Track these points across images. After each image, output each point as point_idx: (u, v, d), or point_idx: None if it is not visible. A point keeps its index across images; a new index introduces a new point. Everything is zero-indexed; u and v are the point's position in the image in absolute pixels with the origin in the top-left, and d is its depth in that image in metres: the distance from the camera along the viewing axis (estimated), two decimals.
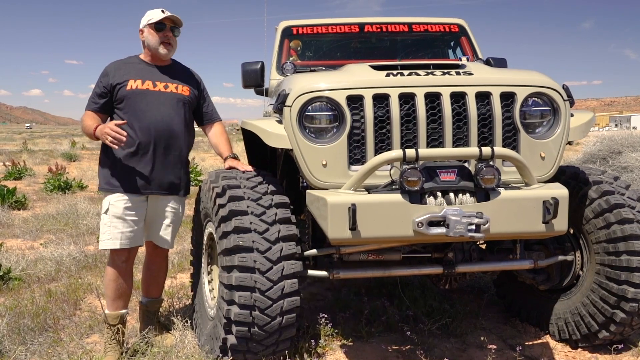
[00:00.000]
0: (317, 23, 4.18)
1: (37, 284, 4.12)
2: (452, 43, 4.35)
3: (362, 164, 2.48)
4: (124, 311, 2.93)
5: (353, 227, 2.23)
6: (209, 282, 3.07)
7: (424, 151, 2.28)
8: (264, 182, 2.72)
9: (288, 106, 2.51)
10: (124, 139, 2.62)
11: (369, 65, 2.68)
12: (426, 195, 2.31)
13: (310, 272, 2.73)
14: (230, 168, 2.88)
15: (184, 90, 2.97)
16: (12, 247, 5.55)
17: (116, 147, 2.65)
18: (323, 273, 2.74)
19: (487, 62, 3.94)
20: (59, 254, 4.77)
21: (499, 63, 3.97)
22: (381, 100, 2.49)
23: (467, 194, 2.33)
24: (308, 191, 2.50)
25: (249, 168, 2.87)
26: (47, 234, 6.17)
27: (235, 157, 2.99)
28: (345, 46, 4.33)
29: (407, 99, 2.49)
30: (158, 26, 2.87)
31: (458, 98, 2.50)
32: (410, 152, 2.25)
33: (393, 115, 2.45)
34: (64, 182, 9.87)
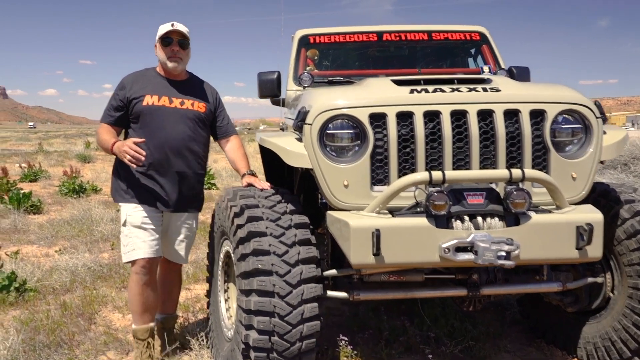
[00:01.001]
0: (335, 32, 4.09)
1: (52, 295, 4.10)
2: (473, 51, 4.24)
3: (385, 185, 2.40)
4: (152, 324, 2.93)
5: (377, 252, 2.15)
6: (226, 300, 3.01)
7: (451, 174, 2.19)
8: (283, 201, 2.64)
9: (308, 124, 2.43)
10: (143, 158, 2.60)
11: (391, 80, 2.60)
12: (453, 219, 2.22)
13: (330, 293, 2.65)
14: (248, 185, 2.81)
15: (200, 107, 2.93)
16: (28, 255, 5.55)
17: (134, 166, 2.62)
18: (343, 294, 2.65)
19: (510, 72, 3.83)
20: (74, 263, 4.75)
21: (522, 73, 3.86)
22: (405, 118, 2.40)
23: (496, 218, 2.24)
24: (329, 212, 2.43)
25: (267, 185, 2.80)
26: (62, 241, 6.17)
27: (252, 174, 2.93)
28: (363, 55, 4.24)
29: (432, 117, 2.40)
30: (165, 41, 2.84)
31: (485, 116, 2.40)
32: (437, 175, 2.16)
33: (417, 134, 2.36)
34: (79, 186, 9.91)
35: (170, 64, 2.85)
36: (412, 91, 2.44)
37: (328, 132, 2.43)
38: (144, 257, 2.79)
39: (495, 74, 3.78)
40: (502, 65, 4.00)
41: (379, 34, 4.08)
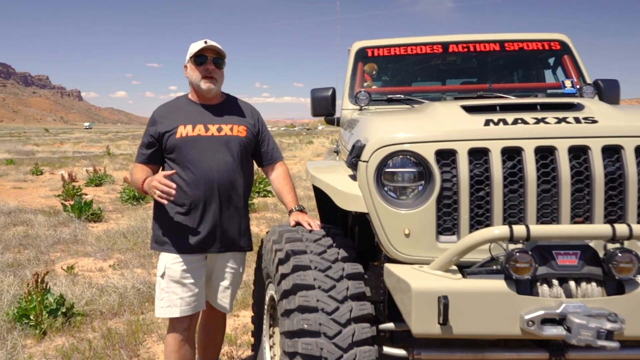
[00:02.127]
0: (395, 43, 3.73)
1: (99, 320, 4.00)
2: (552, 62, 3.75)
3: (454, 235, 2.04)
4: None
5: (444, 322, 1.79)
6: (271, 347, 2.74)
7: (537, 229, 1.78)
8: (334, 245, 2.34)
9: (364, 161, 2.11)
10: (173, 192, 2.28)
11: (462, 107, 2.22)
12: (538, 283, 1.83)
13: (386, 349, 2.30)
14: (296, 225, 2.52)
15: (240, 131, 2.61)
16: (83, 268, 5.57)
17: (165, 202, 2.31)
18: (401, 352, 2.30)
19: (597, 87, 3.33)
20: (123, 285, 4.66)
21: (611, 87, 3.34)
22: (479, 155, 2.02)
23: (593, 283, 1.82)
24: (387, 265, 2.09)
25: (317, 225, 2.49)
26: (117, 254, 6.18)
27: (301, 210, 2.62)
28: (427, 69, 3.85)
29: (511, 155, 2.01)
30: (198, 59, 2.53)
31: (578, 153, 1.98)
32: (520, 230, 1.77)
33: (494, 175, 1.98)
34: (138, 193, 10.06)
35: (204, 85, 2.53)
36: (487, 122, 2.05)
37: (387, 170, 2.09)
38: (181, 315, 2.52)
39: (579, 89, 3.30)
40: (587, 79, 3.49)
41: (445, 45, 3.68)
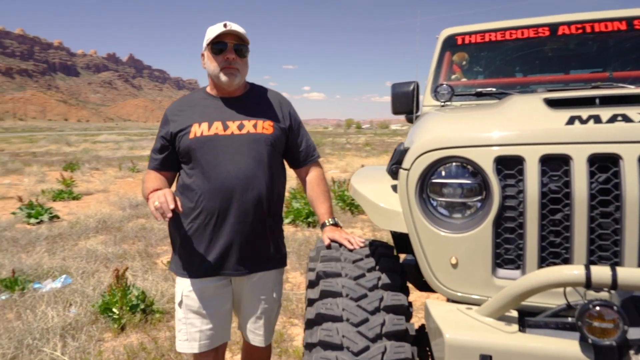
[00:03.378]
0: (490, 28, 3.17)
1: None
2: None
3: (518, 269, 1.55)
4: None
5: None
6: None
7: (630, 273, 1.24)
8: (377, 268, 1.95)
9: (405, 169, 1.70)
10: (169, 213, 1.83)
11: (545, 100, 1.70)
12: (631, 351, 1.28)
13: None
14: (332, 242, 2.14)
15: (265, 127, 2.14)
16: None
17: (160, 219, 1.84)
18: None
19: None
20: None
21: None
22: (556, 164, 1.50)
23: None
24: (427, 302, 1.66)
25: (358, 242, 2.10)
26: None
27: (335, 224, 2.22)
28: (530, 57, 3.22)
29: (604, 164, 1.46)
30: (216, 47, 2.09)
31: None
32: (601, 273, 1.24)
33: (576, 192, 1.45)
34: None
35: (224, 78, 2.10)
36: (572, 120, 1.52)
37: (434, 180, 1.66)
38: (200, 351, 2.18)
39: None
40: None
41: (553, 27, 3.03)
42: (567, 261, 1.49)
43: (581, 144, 1.46)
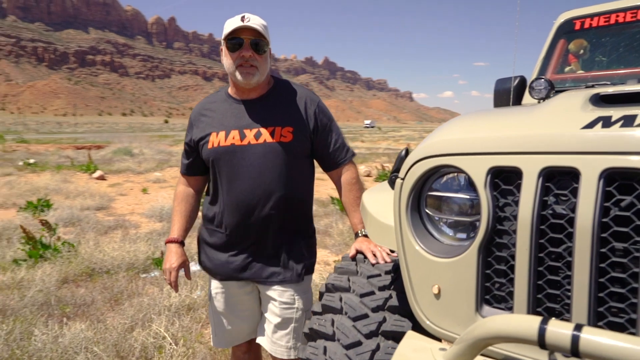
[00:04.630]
0: (618, 7, 2.58)
1: None
2: None
3: (509, 309, 1.23)
4: None
5: None
6: None
7: (595, 337, 0.88)
8: (392, 287, 1.74)
9: (401, 178, 1.48)
10: (177, 292, 2.29)
11: (594, 97, 1.32)
12: None
13: None
14: (357, 254, 1.96)
15: (284, 134, 1.99)
16: (319, 260, 5.89)
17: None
18: None
19: None
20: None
21: None
22: (566, 182, 1.15)
23: None
24: (408, 333, 1.42)
25: (383, 256, 1.87)
26: (347, 248, 6.35)
27: (367, 236, 2.00)
28: None
29: (627, 185, 1.07)
30: (231, 42, 1.94)
31: None
32: (559, 332, 0.91)
33: (579, 220, 1.09)
34: None
35: (240, 77, 1.95)
36: (594, 122, 1.15)
37: (431, 193, 1.42)
38: (227, 347, 2.31)
39: None
40: None
41: None
42: (568, 308, 1.13)
43: (592, 155, 1.10)
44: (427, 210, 1.43)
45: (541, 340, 0.93)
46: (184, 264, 2.16)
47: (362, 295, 1.72)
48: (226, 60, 2.00)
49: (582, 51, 2.72)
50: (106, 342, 3.33)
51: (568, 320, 1.12)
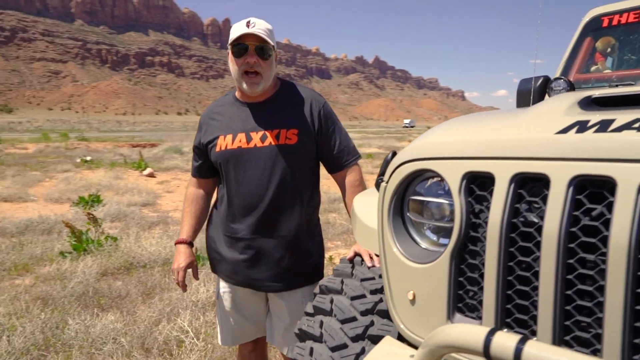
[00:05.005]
0: None
1: None
2: None
3: (480, 318, 1.20)
4: None
5: None
6: None
7: (540, 350, 0.85)
8: (381, 290, 1.73)
9: (385, 182, 1.47)
10: (185, 291, 2.28)
11: (584, 100, 1.27)
12: None
13: None
14: (355, 257, 1.94)
15: (289, 136, 2.02)
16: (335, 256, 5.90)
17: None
18: None
19: None
20: None
21: None
22: (539, 189, 1.11)
23: None
24: (385, 338, 1.41)
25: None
26: None
27: None
28: None
29: (598, 193, 1.02)
30: (236, 49, 1.97)
31: None
32: (504, 344, 0.88)
33: (546, 229, 1.05)
34: None
35: (246, 86, 1.99)
36: (570, 127, 1.11)
37: (413, 197, 1.40)
38: (235, 345, 2.35)
39: None
40: None
41: None
42: (535, 319, 1.09)
43: (562, 161, 1.05)
44: (409, 215, 1.41)
45: (486, 351, 0.90)
46: (192, 264, 2.21)
47: (352, 298, 1.72)
48: (232, 66, 2.03)
49: (609, 49, 2.59)
50: (133, 334, 3.47)
51: (535, 333, 1.08)
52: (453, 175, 1.24)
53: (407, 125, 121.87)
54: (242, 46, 1.97)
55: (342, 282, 1.80)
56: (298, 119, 2.06)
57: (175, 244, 2.24)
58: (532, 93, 2.63)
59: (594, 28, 2.62)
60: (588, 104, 1.27)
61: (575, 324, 1.05)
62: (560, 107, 1.26)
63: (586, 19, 2.69)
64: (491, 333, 0.91)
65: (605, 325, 0.97)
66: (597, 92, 1.30)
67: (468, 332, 0.95)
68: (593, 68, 2.60)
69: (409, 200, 1.41)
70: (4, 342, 3.16)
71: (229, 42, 2.01)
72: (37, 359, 3.13)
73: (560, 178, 1.05)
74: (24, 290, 4.46)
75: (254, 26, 1.95)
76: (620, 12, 2.53)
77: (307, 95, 2.13)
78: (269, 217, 2.05)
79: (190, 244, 2.24)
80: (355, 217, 1.73)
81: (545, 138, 1.10)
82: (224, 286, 2.26)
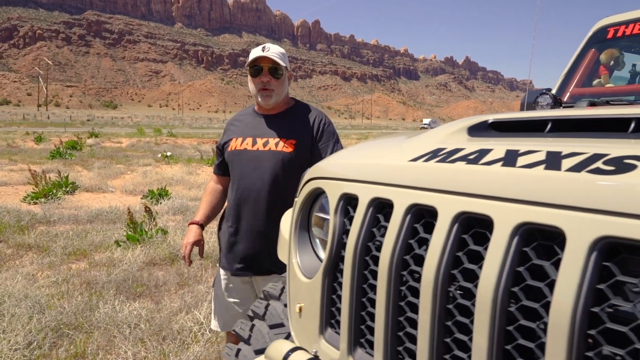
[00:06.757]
0: None
1: None
2: None
3: (339, 333, 1.24)
4: None
5: None
6: None
7: None
8: None
9: (296, 197, 1.55)
10: (189, 265, 2.57)
11: (477, 126, 1.27)
12: None
13: None
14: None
15: (286, 145, 2.32)
16: None
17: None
18: None
19: None
20: None
21: None
22: (388, 211, 1.14)
23: None
24: (275, 342, 1.47)
25: None
26: None
27: None
28: None
29: (427, 220, 1.04)
30: (254, 68, 2.35)
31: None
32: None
33: (383, 252, 1.08)
34: None
35: (260, 99, 2.37)
36: (424, 155, 1.13)
37: (316, 214, 1.46)
38: (218, 330, 2.59)
39: None
40: None
41: None
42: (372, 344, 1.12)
43: (402, 188, 1.08)
44: (313, 229, 1.47)
45: None
46: (199, 243, 2.56)
47: (286, 305, 1.80)
48: (250, 84, 2.41)
49: (611, 62, 2.42)
50: (154, 322, 3.75)
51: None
52: (333, 195, 1.29)
53: (426, 125, 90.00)
54: (257, 67, 2.34)
55: (282, 289, 1.88)
56: (298, 132, 2.37)
57: (188, 224, 2.58)
58: (524, 107, 2.56)
59: (599, 40, 2.46)
60: (483, 129, 1.26)
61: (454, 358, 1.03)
62: (444, 133, 1.26)
63: (593, 29, 2.53)
64: (292, 350, 0.97)
65: None
66: (491, 117, 1.28)
67: (278, 347, 1.01)
68: (595, 81, 2.45)
69: (313, 216, 1.47)
70: (34, 319, 3.55)
71: (246, 64, 2.37)
72: (63, 336, 3.48)
73: (399, 204, 1.07)
74: (76, 273, 4.94)
75: (268, 50, 2.31)
76: (626, 23, 2.36)
77: (315, 113, 2.45)
78: (257, 212, 2.34)
79: (201, 225, 2.59)
80: (280, 230, 1.81)
81: (392, 165, 1.13)
82: (220, 275, 2.54)
